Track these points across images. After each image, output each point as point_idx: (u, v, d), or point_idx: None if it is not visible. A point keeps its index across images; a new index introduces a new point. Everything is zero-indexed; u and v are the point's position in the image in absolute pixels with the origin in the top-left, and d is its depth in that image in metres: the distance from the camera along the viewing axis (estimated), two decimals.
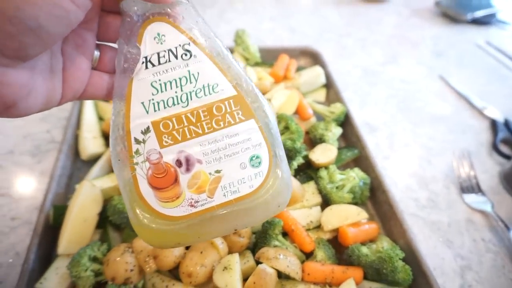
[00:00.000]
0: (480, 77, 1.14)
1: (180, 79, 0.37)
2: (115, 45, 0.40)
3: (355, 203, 0.69)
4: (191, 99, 0.37)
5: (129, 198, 0.37)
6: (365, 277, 0.59)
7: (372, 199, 0.72)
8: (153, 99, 0.37)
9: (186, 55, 0.37)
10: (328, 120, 0.81)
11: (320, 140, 0.76)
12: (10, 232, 0.65)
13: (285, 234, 0.62)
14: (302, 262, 0.59)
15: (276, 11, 1.42)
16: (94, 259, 0.56)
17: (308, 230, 0.64)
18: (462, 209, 0.75)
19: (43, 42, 0.31)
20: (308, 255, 0.61)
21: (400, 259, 0.57)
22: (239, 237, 0.57)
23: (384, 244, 0.61)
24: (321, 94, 0.95)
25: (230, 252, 0.57)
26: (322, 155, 0.72)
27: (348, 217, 0.63)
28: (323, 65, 0.98)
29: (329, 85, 0.95)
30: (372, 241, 0.64)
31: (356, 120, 0.83)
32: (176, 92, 0.37)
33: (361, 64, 1.16)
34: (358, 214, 0.64)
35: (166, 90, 0.37)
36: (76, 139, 0.78)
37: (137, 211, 0.37)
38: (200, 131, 0.37)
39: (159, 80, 0.37)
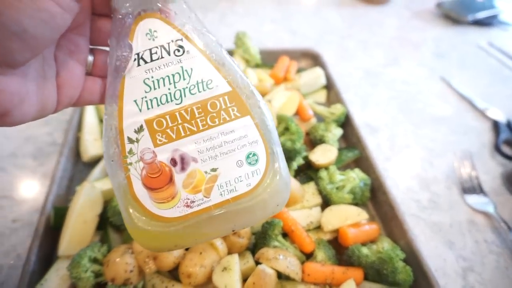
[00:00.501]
0: (482, 79, 1.13)
1: (173, 75, 0.36)
2: (108, 49, 0.39)
3: (356, 204, 0.68)
4: (184, 96, 0.36)
5: (123, 200, 0.36)
6: (366, 278, 0.59)
7: (373, 200, 0.72)
8: (146, 97, 0.36)
9: (178, 51, 0.37)
10: (329, 121, 0.81)
11: (320, 141, 0.76)
12: (11, 234, 0.65)
13: (285, 234, 0.62)
14: (302, 262, 0.58)
15: (277, 13, 1.42)
16: (94, 260, 0.56)
17: (308, 230, 0.63)
18: (464, 210, 0.75)
19: (30, 47, 0.30)
20: (308, 256, 0.61)
21: (400, 259, 0.57)
22: (238, 237, 0.57)
23: (385, 244, 0.61)
24: (322, 96, 0.95)
25: (230, 252, 0.57)
26: (322, 156, 0.72)
27: (348, 218, 0.63)
28: (323, 66, 0.98)
29: (329, 86, 0.95)
30: (372, 241, 0.64)
31: (356, 121, 0.83)
32: (169, 89, 0.36)
33: (362, 65, 1.16)
34: (358, 214, 0.64)
35: (159, 87, 0.36)
36: (77, 141, 0.78)
37: (132, 213, 0.36)
38: (195, 129, 0.36)
39: (152, 77, 0.36)
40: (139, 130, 0.36)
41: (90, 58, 0.39)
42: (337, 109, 0.84)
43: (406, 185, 0.79)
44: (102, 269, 0.55)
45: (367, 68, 1.15)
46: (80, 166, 0.76)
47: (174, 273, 0.57)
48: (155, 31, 0.36)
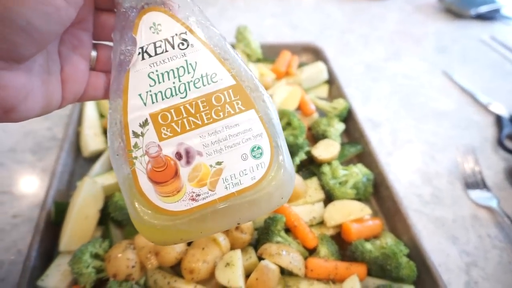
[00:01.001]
0: (485, 73, 1.13)
1: (177, 69, 0.36)
2: (111, 44, 0.39)
3: (358, 199, 0.68)
4: (189, 89, 0.36)
5: (128, 194, 0.36)
6: (369, 273, 0.58)
7: (376, 195, 0.71)
8: (150, 91, 0.36)
9: (183, 44, 0.36)
10: (331, 116, 0.80)
11: (323, 136, 0.76)
12: (11, 230, 0.65)
13: (287, 230, 0.62)
14: (305, 258, 0.58)
15: (277, 8, 1.41)
16: (96, 256, 0.55)
17: (311, 226, 0.63)
18: (467, 205, 0.74)
19: (36, 41, 0.30)
20: (311, 251, 0.60)
21: (404, 255, 0.57)
22: (241, 233, 0.57)
23: (388, 240, 0.60)
24: (323, 90, 0.94)
25: (232, 248, 0.56)
26: (324, 151, 0.72)
27: (351, 213, 0.63)
28: (325, 61, 0.97)
29: (331, 81, 0.94)
30: (375, 237, 0.63)
31: (359, 116, 0.82)
32: (174, 82, 0.36)
33: (363, 60, 1.15)
34: (362, 210, 0.63)
35: (163, 81, 0.36)
36: (77, 136, 0.77)
37: (137, 207, 0.36)
38: (200, 122, 0.36)
39: (156, 71, 0.36)
40: (144, 124, 0.36)
41: (94, 53, 0.39)
42: (339, 103, 0.83)
43: (408, 179, 0.79)
44: (103, 264, 0.55)
45: (368, 62, 1.14)
46: (80, 161, 0.75)
47: (176, 269, 0.56)
48: (159, 24, 0.36)
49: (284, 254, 0.54)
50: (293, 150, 0.68)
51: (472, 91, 1.03)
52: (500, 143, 0.86)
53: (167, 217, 0.35)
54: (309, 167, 0.73)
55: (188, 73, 0.36)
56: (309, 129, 0.80)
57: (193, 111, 0.36)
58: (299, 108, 0.82)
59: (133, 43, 0.36)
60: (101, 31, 0.38)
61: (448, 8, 1.42)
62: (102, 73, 0.40)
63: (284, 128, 0.73)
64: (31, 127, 0.84)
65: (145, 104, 0.36)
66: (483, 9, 1.36)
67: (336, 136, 0.77)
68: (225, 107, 0.36)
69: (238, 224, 0.38)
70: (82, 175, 0.71)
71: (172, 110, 0.36)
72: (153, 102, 0.36)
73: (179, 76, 0.36)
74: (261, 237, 0.58)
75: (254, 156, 0.37)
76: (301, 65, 0.97)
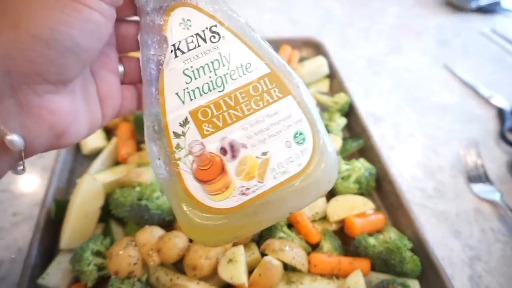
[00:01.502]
0: (486, 66, 1.12)
1: (212, 63, 0.35)
2: (134, 55, 0.39)
3: (361, 194, 0.67)
4: (226, 82, 0.35)
5: (175, 197, 0.35)
6: (373, 268, 0.58)
7: (378, 189, 0.71)
8: (187, 88, 0.35)
9: (214, 37, 0.35)
10: (332, 111, 0.80)
11: None
12: (12, 228, 0.64)
13: (290, 225, 0.61)
14: (308, 253, 0.58)
15: (277, 2, 1.40)
16: (97, 253, 0.55)
17: (313, 221, 0.63)
18: (470, 198, 0.74)
19: (81, 60, 0.30)
20: (313, 247, 0.60)
21: (408, 249, 0.56)
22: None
23: (391, 234, 0.60)
24: (325, 85, 0.94)
25: (235, 244, 0.56)
26: None
27: (354, 208, 0.62)
28: (326, 55, 0.97)
29: (332, 75, 0.94)
30: (378, 231, 0.63)
31: (360, 110, 0.82)
32: (210, 77, 0.35)
33: (364, 54, 1.14)
34: (365, 204, 0.63)
35: (199, 76, 0.35)
36: None
37: (186, 209, 0.35)
38: (241, 114, 0.35)
39: (191, 67, 0.35)
40: (185, 123, 0.35)
41: (121, 68, 0.39)
42: (341, 98, 0.82)
43: (411, 173, 0.78)
44: (105, 262, 0.54)
45: (369, 56, 1.14)
46: (80, 159, 0.75)
47: (178, 266, 0.56)
48: (188, 20, 0.35)
49: (287, 249, 0.54)
50: None
51: (473, 84, 1.02)
52: (503, 136, 0.86)
53: (219, 216, 0.35)
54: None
55: (223, 65, 0.35)
56: None
57: (233, 104, 0.35)
58: None
59: (163, 42, 0.35)
60: (123, 43, 0.38)
61: (449, 1, 1.41)
62: (132, 86, 0.40)
63: None
64: None
65: (183, 102, 0.35)
66: (484, 1, 1.35)
67: (338, 130, 0.76)
68: (264, 96, 0.36)
69: (290, 213, 0.37)
70: (82, 172, 0.70)
71: (211, 105, 0.35)
72: (191, 99, 0.35)
73: (214, 70, 0.35)
74: (264, 232, 0.58)
75: (298, 142, 0.36)
76: (301, 59, 0.96)
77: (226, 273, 0.51)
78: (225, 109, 0.35)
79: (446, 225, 0.69)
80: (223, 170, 0.35)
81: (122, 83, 0.39)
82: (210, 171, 0.34)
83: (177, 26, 0.35)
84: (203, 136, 0.35)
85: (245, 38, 0.36)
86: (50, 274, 0.54)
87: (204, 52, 0.35)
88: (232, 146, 0.35)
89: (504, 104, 0.95)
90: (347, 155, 0.75)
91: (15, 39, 0.26)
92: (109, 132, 0.78)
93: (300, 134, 0.36)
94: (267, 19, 1.30)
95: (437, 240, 0.66)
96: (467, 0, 1.36)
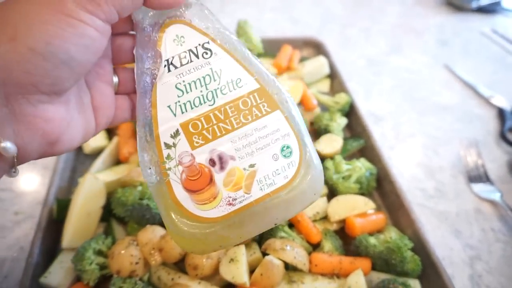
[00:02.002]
0: (486, 66, 1.12)
1: (203, 78, 0.37)
2: (128, 67, 0.40)
3: (362, 194, 0.68)
4: (217, 96, 0.37)
5: (164, 206, 0.36)
6: (373, 268, 0.58)
7: (379, 189, 0.71)
8: (179, 101, 0.36)
9: (206, 53, 0.37)
10: (333, 111, 0.80)
11: (325, 131, 0.75)
12: (14, 227, 0.64)
13: (291, 225, 0.62)
14: (309, 253, 0.58)
15: (277, 1, 1.40)
16: (99, 253, 0.55)
17: (314, 221, 0.63)
18: (470, 198, 0.74)
19: (75, 73, 0.31)
20: (314, 246, 0.60)
21: (408, 249, 0.56)
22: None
23: (392, 234, 0.60)
24: (325, 85, 0.94)
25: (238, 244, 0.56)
26: (327, 146, 0.71)
27: (355, 208, 0.63)
28: (326, 55, 0.97)
29: (333, 75, 0.94)
30: (379, 231, 0.63)
31: (361, 110, 0.82)
32: (201, 91, 0.37)
33: (365, 54, 1.15)
34: (365, 204, 0.63)
35: (191, 90, 0.36)
36: None
37: (174, 218, 0.36)
38: (230, 128, 0.36)
39: (183, 81, 0.36)
40: (175, 134, 0.36)
41: (115, 79, 0.40)
42: (342, 98, 0.82)
43: (411, 173, 0.78)
44: (107, 261, 0.54)
45: (369, 56, 1.14)
46: (81, 158, 0.75)
47: (180, 265, 0.56)
48: (182, 36, 0.37)
49: (289, 249, 0.54)
50: None
51: (474, 84, 1.02)
52: (503, 136, 0.86)
53: (206, 224, 0.36)
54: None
55: (214, 80, 0.37)
56: (311, 123, 0.79)
57: (222, 117, 0.37)
58: (301, 102, 0.82)
59: (157, 57, 0.36)
60: (118, 55, 0.39)
61: (449, 0, 1.41)
62: (125, 96, 0.41)
63: None
64: None
65: (174, 115, 0.36)
66: (484, 1, 1.35)
67: (339, 130, 0.76)
68: (253, 110, 0.37)
69: (275, 224, 0.38)
70: (84, 171, 0.70)
71: (202, 118, 0.36)
72: (182, 112, 0.36)
73: (206, 84, 0.37)
74: (265, 232, 0.58)
75: (285, 156, 0.37)
76: (302, 59, 0.96)
77: (227, 273, 0.51)
78: (215, 122, 0.36)
79: (447, 224, 0.69)
80: (211, 180, 0.36)
81: (116, 93, 0.40)
82: (199, 182, 0.36)
83: (171, 42, 0.37)
84: (193, 147, 0.36)
85: (236, 54, 0.38)
86: (52, 273, 0.54)
87: (196, 67, 0.37)
88: (220, 158, 0.36)
89: (504, 104, 0.95)
90: (348, 155, 0.75)
91: (12, 51, 0.27)
92: (110, 132, 0.78)
93: (287, 147, 0.37)
94: (268, 19, 1.30)
95: (438, 239, 0.67)
96: (467, 0, 1.36)
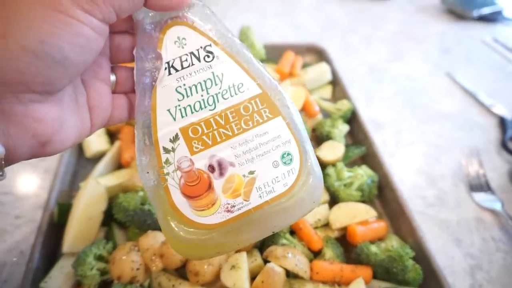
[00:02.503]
0: (488, 74, 1.13)
1: (205, 81, 0.36)
2: (127, 65, 0.40)
3: (363, 201, 0.68)
4: (217, 101, 0.36)
5: (161, 211, 0.36)
6: (375, 276, 0.58)
7: (380, 197, 0.71)
8: (179, 105, 0.36)
9: (208, 57, 0.36)
10: (335, 117, 0.80)
11: (327, 137, 0.75)
12: (14, 231, 0.64)
13: (292, 232, 0.62)
14: (310, 260, 0.58)
15: (279, 7, 1.41)
16: (100, 258, 0.55)
17: (315, 228, 0.63)
18: (471, 207, 0.74)
19: (69, 73, 0.30)
20: (316, 254, 0.60)
21: (410, 258, 0.56)
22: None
23: (394, 242, 0.60)
24: (327, 91, 0.94)
25: (238, 250, 0.56)
26: (329, 153, 0.71)
27: (356, 215, 0.63)
28: (328, 61, 0.97)
29: (335, 82, 0.94)
30: (380, 239, 0.63)
31: (363, 117, 0.82)
32: (202, 95, 0.36)
33: (366, 61, 1.15)
34: (367, 212, 0.63)
35: (191, 94, 0.36)
36: None
37: (172, 223, 0.35)
38: (230, 133, 0.36)
39: (184, 85, 0.36)
40: (175, 139, 0.35)
41: (113, 77, 0.39)
42: (344, 105, 0.83)
43: (412, 181, 0.79)
44: (107, 266, 0.54)
45: (371, 63, 1.14)
46: (83, 162, 0.75)
47: (181, 271, 0.56)
48: (183, 38, 0.36)
49: (290, 256, 0.54)
50: None
51: (475, 93, 1.03)
52: (504, 145, 0.86)
53: (203, 231, 0.35)
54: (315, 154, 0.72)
55: (216, 85, 0.36)
56: (313, 130, 0.80)
57: (223, 123, 0.36)
58: (303, 109, 0.82)
59: (158, 59, 0.35)
60: (116, 54, 0.39)
61: (451, 9, 1.42)
62: (123, 95, 0.40)
63: None
64: None
65: (174, 119, 0.35)
66: (486, 10, 1.35)
67: (340, 137, 0.76)
68: (254, 116, 0.36)
69: (273, 232, 0.38)
70: (85, 175, 0.70)
71: (202, 123, 0.36)
72: (182, 117, 0.36)
73: (207, 89, 0.36)
74: (266, 239, 0.58)
75: (285, 163, 0.37)
76: (304, 65, 0.97)
77: (228, 280, 0.51)
78: (215, 127, 0.36)
79: (447, 233, 0.69)
80: (210, 187, 0.35)
81: (113, 92, 0.39)
82: (197, 187, 0.35)
83: (172, 44, 0.36)
84: (192, 153, 0.35)
85: (238, 58, 0.37)
86: (53, 278, 0.54)
87: (198, 71, 0.36)
88: (220, 164, 0.36)
89: (505, 113, 0.95)
90: (349, 162, 0.75)
91: (3, 48, 0.26)
92: (112, 136, 0.78)
93: (288, 154, 0.37)
94: (270, 24, 1.30)
95: (439, 248, 0.66)
96: (469, 8, 1.37)
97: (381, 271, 0.57)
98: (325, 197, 0.67)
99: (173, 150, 0.35)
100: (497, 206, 0.72)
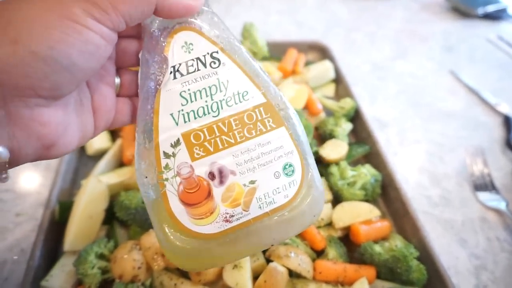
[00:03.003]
0: (492, 73, 1.11)
1: (209, 87, 0.36)
2: (132, 69, 0.40)
3: (366, 200, 0.67)
4: (221, 108, 0.36)
5: (158, 218, 0.35)
6: (378, 276, 0.58)
7: (384, 196, 0.70)
8: (182, 110, 0.35)
9: (214, 63, 0.36)
10: (338, 116, 0.79)
11: (330, 136, 0.75)
12: (15, 228, 0.64)
13: None
14: (313, 260, 0.57)
15: (283, 5, 1.40)
16: (101, 256, 0.55)
17: (318, 227, 0.62)
18: (476, 207, 0.73)
19: (76, 79, 0.31)
20: (318, 253, 0.60)
21: (414, 258, 0.56)
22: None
23: (397, 242, 0.60)
24: (330, 89, 0.93)
25: None
26: (332, 151, 0.71)
27: (360, 215, 0.62)
28: (332, 59, 0.96)
29: (338, 80, 0.93)
30: (384, 239, 0.62)
31: (366, 116, 0.81)
32: (206, 101, 0.35)
33: (370, 59, 1.14)
34: (371, 211, 0.63)
35: (196, 100, 0.35)
36: None
37: (168, 231, 0.34)
38: (233, 141, 0.35)
39: (189, 89, 0.35)
40: (176, 144, 0.35)
41: (117, 80, 0.39)
42: (347, 103, 0.82)
43: (416, 180, 0.78)
44: (109, 265, 0.54)
45: (374, 61, 1.13)
46: (84, 159, 0.74)
47: (183, 271, 0.55)
48: (190, 43, 0.36)
49: (293, 256, 0.54)
50: None
51: (479, 91, 1.02)
52: (509, 144, 0.85)
53: (200, 241, 0.34)
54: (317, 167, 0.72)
55: (220, 91, 0.36)
56: (316, 128, 0.79)
57: (225, 130, 0.35)
58: (306, 107, 0.81)
59: (163, 63, 0.35)
60: (123, 58, 0.39)
61: (455, 7, 1.41)
62: (126, 99, 0.40)
63: None
64: None
65: (177, 123, 0.35)
66: (490, 8, 1.34)
67: (344, 136, 0.76)
68: (257, 125, 0.36)
69: (272, 245, 0.37)
70: (86, 173, 0.70)
71: (204, 129, 0.35)
72: (185, 122, 0.35)
73: (211, 95, 0.36)
74: None
75: (287, 174, 0.36)
76: (307, 63, 0.96)
77: (231, 279, 0.51)
78: (217, 134, 0.35)
79: (452, 233, 0.69)
80: (209, 195, 0.35)
81: (117, 95, 0.40)
82: (196, 195, 0.34)
83: (179, 49, 0.35)
84: (193, 159, 0.35)
85: (244, 66, 0.37)
86: (54, 276, 0.54)
87: (203, 77, 0.36)
88: (220, 172, 0.35)
89: (510, 112, 0.94)
90: (352, 160, 0.75)
91: (12, 53, 0.27)
92: (114, 133, 0.78)
93: (290, 165, 0.36)
94: (273, 22, 1.29)
95: (443, 248, 0.66)
96: (473, 6, 1.35)
97: (385, 271, 0.57)
98: (329, 196, 0.66)
99: (174, 155, 0.35)
100: (502, 205, 0.72)
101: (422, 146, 0.86)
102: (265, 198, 0.35)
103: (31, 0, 0.28)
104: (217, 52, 0.36)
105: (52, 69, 0.28)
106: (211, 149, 0.35)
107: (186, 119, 0.35)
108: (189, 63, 0.35)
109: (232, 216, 0.35)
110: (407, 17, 1.39)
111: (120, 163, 0.72)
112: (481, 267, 0.64)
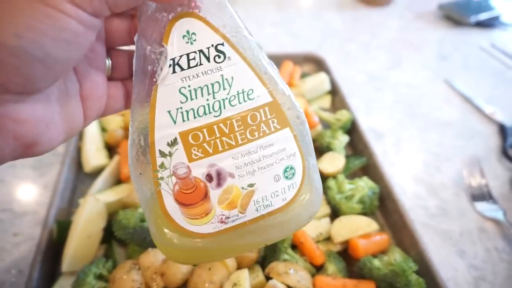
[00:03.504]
0: (486, 81, 1.12)
1: (212, 85, 0.32)
2: (124, 48, 0.36)
3: (364, 213, 0.67)
4: (224, 107, 0.33)
5: (151, 215, 0.34)
6: None
7: (382, 208, 0.70)
8: (181, 108, 0.32)
9: (219, 57, 0.32)
10: (335, 128, 0.79)
11: (327, 149, 0.75)
12: (12, 249, 0.63)
13: (294, 246, 0.61)
14: (312, 275, 0.57)
15: (277, 16, 1.41)
16: (100, 277, 0.54)
17: (317, 242, 0.62)
18: (474, 217, 0.73)
19: (53, 71, 0.27)
20: (318, 268, 0.59)
21: (413, 272, 0.56)
22: (248, 251, 0.56)
23: (396, 256, 0.60)
24: (326, 101, 0.94)
25: (239, 267, 0.55)
26: (330, 164, 0.71)
27: (358, 229, 0.62)
28: (327, 71, 0.97)
29: (334, 91, 0.94)
30: (383, 252, 0.62)
31: (362, 127, 0.82)
32: (207, 100, 0.32)
33: (365, 69, 1.15)
34: (369, 225, 0.63)
35: (196, 97, 0.32)
36: (78, 151, 0.76)
37: (161, 227, 0.34)
38: (233, 143, 0.33)
39: (189, 86, 0.32)
40: (173, 143, 0.33)
41: (108, 62, 0.36)
42: (343, 115, 0.82)
43: (413, 191, 0.78)
44: (107, 286, 0.53)
45: (370, 71, 1.14)
46: (82, 177, 0.74)
47: None
48: (193, 33, 0.32)
49: (292, 272, 0.54)
50: None
51: (474, 100, 1.02)
52: (505, 153, 0.86)
53: (194, 239, 0.34)
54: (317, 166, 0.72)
55: (224, 89, 0.33)
56: (313, 141, 0.79)
57: (227, 131, 0.33)
58: None
59: (162, 53, 0.32)
60: (113, 38, 0.35)
61: (448, 15, 1.42)
62: (119, 82, 0.37)
63: None
64: None
65: (174, 122, 0.32)
66: (483, 16, 1.36)
67: (341, 148, 0.76)
68: (261, 126, 0.34)
69: (266, 244, 0.36)
70: (84, 191, 0.70)
71: (204, 130, 0.33)
72: (183, 120, 0.32)
73: (213, 93, 0.33)
74: (268, 254, 0.57)
75: (287, 177, 0.35)
76: (303, 75, 0.97)
77: None
78: (218, 135, 0.33)
79: (450, 244, 0.69)
80: (205, 196, 0.33)
81: (109, 79, 0.36)
82: (192, 196, 0.33)
83: (180, 39, 0.32)
84: (190, 160, 0.33)
85: (251, 61, 0.34)
86: None
87: (205, 72, 0.32)
88: (219, 174, 0.33)
89: (505, 120, 0.95)
90: (350, 173, 0.75)
91: None
92: (111, 150, 0.78)
93: (291, 168, 0.35)
94: (268, 33, 1.30)
95: (442, 260, 0.66)
96: (466, 14, 1.37)
97: (384, 285, 0.56)
98: (327, 210, 0.66)
99: (170, 154, 0.33)
100: (500, 215, 0.72)
101: (419, 156, 0.86)
102: (263, 201, 0.34)
103: None
104: (222, 44, 0.33)
105: (22, 61, 0.24)
106: (210, 151, 0.33)
107: (185, 118, 0.32)
108: (191, 56, 0.32)
109: (228, 218, 0.34)
110: (401, 26, 1.40)
111: (118, 180, 0.72)
112: (480, 278, 0.64)
